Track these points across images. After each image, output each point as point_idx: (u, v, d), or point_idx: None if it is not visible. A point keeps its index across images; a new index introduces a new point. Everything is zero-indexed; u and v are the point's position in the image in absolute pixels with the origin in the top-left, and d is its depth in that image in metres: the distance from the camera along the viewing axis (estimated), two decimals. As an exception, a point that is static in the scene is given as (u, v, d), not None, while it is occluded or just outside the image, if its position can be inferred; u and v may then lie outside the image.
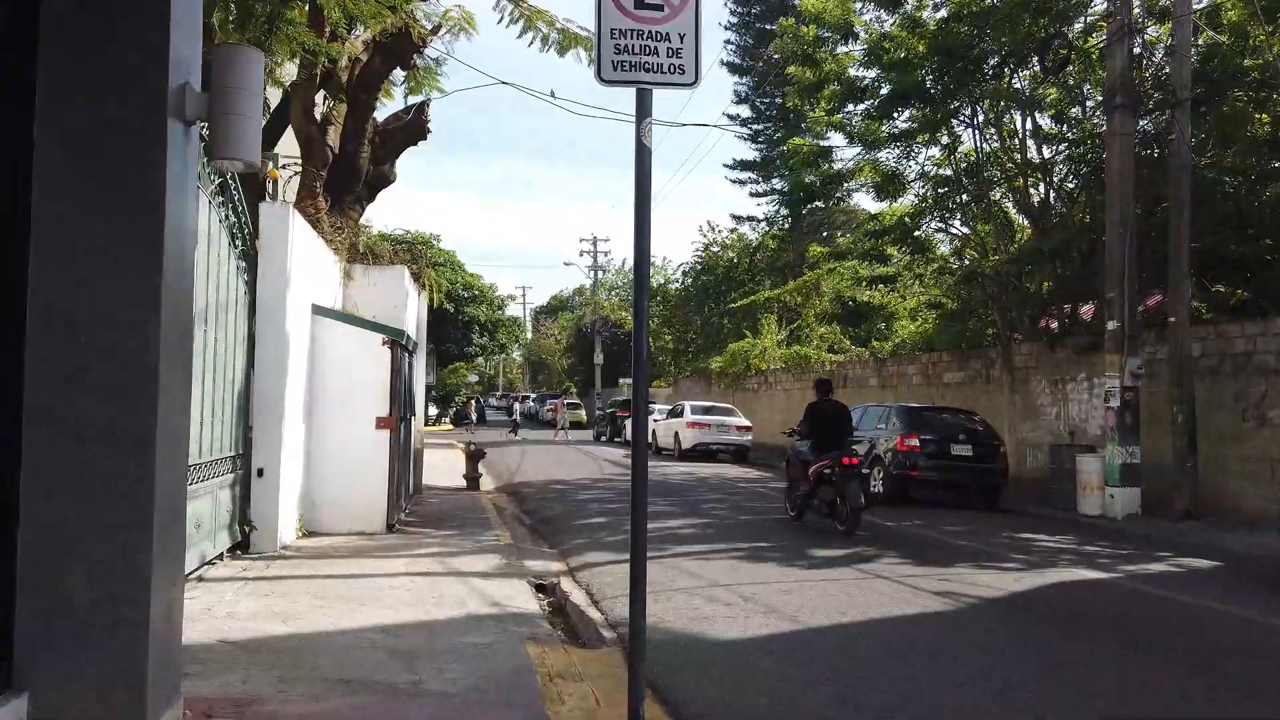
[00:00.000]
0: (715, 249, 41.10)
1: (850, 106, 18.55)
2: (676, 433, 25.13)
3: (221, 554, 7.92)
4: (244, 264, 8.36)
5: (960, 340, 18.48)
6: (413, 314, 13.71)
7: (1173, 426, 13.32)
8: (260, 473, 8.56)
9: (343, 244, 12.40)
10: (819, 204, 36.43)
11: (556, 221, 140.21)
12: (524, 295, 79.75)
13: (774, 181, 40.37)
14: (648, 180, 4.10)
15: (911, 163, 19.01)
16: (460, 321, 51.14)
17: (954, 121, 18.18)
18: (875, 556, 9.49)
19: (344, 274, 12.15)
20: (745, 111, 39.98)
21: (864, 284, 19.66)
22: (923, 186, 18.69)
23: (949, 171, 18.84)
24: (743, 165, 40.16)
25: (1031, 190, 17.87)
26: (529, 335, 75.17)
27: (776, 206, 40.21)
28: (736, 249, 40.72)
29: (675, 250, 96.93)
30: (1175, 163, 13.51)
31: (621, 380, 51.68)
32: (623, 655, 5.76)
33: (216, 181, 7.52)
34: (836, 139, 19.60)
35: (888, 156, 19.39)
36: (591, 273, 55.65)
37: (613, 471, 20.51)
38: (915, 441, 13.99)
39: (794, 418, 30.16)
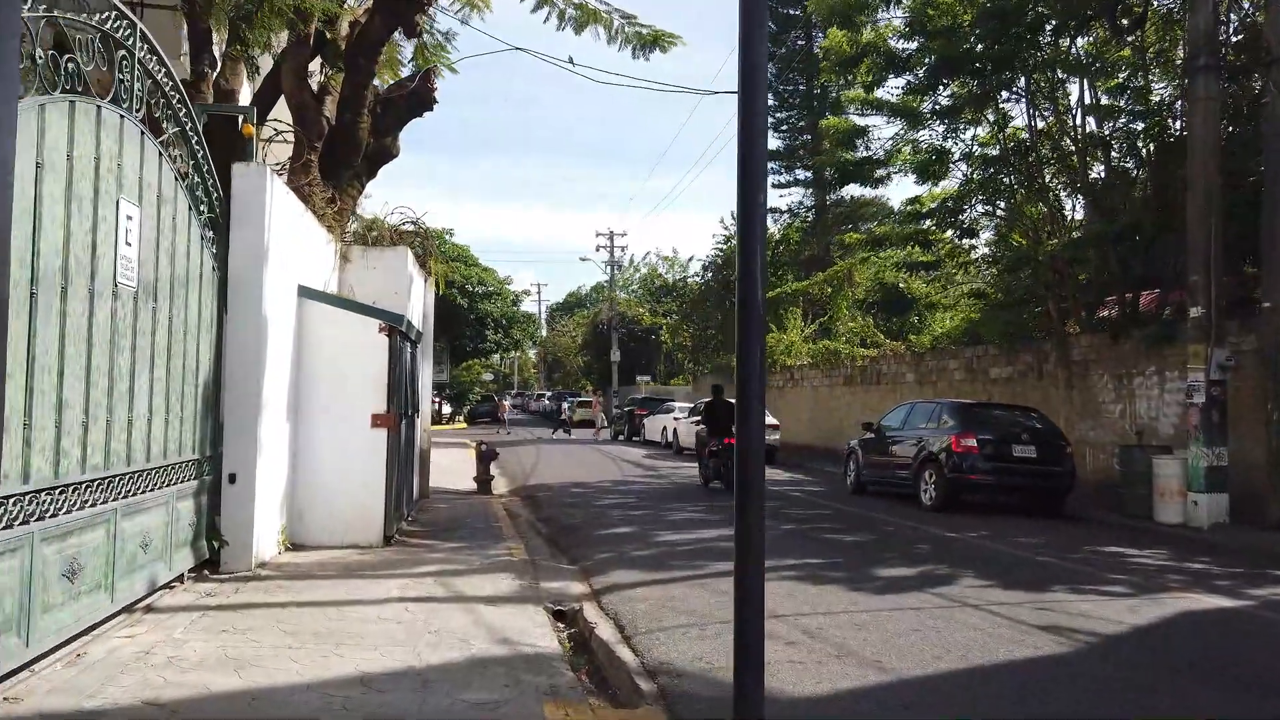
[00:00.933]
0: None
1: (890, 79, 17.14)
2: (700, 432, 23.80)
3: (182, 575, 6.67)
4: (211, 234, 7.11)
5: (1009, 332, 17.06)
6: (417, 301, 12.47)
7: (1267, 426, 11.88)
8: (233, 479, 7.31)
9: (338, 222, 11.16)
10: (855, 188, 35.27)
11: (571, 221, 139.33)
12: (539, 292, 78.79)
13: (797, 172, 38.95)
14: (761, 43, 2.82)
15: (956, 142, 17.59)
16: (474, 317, 50.07)
17: (1004, 95, 16.77)
18: (950, 577, 8.14)
19: (340, 256, 10.91)
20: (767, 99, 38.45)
21: (905, 270, 18.18)
22: (968, 167, 17.26)
23: (995, 151, 17.43)
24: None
25: (1089, 169, 16.43)
26: (544, 333, 73.96)
27: (800, 197, 38.86)
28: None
29: (690, 247, 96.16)
30: (1269, 129, 12.07)
31: (640, 378, 50.38)
32: (667, 718, 4.47)
33: (171, 130, 6.27)
34: (874, 120, 18.22)
35: (930, 136, 18.00)
36: (608, 268, 54.36)
37: (634, 474, 19.23)
38: (973, 442, 12.59)
39: (823, 416, 29.08)
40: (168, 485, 6.22)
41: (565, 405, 50.54)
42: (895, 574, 8.28)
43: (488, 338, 51.56)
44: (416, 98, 12.41)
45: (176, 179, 6.36)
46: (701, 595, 7.20)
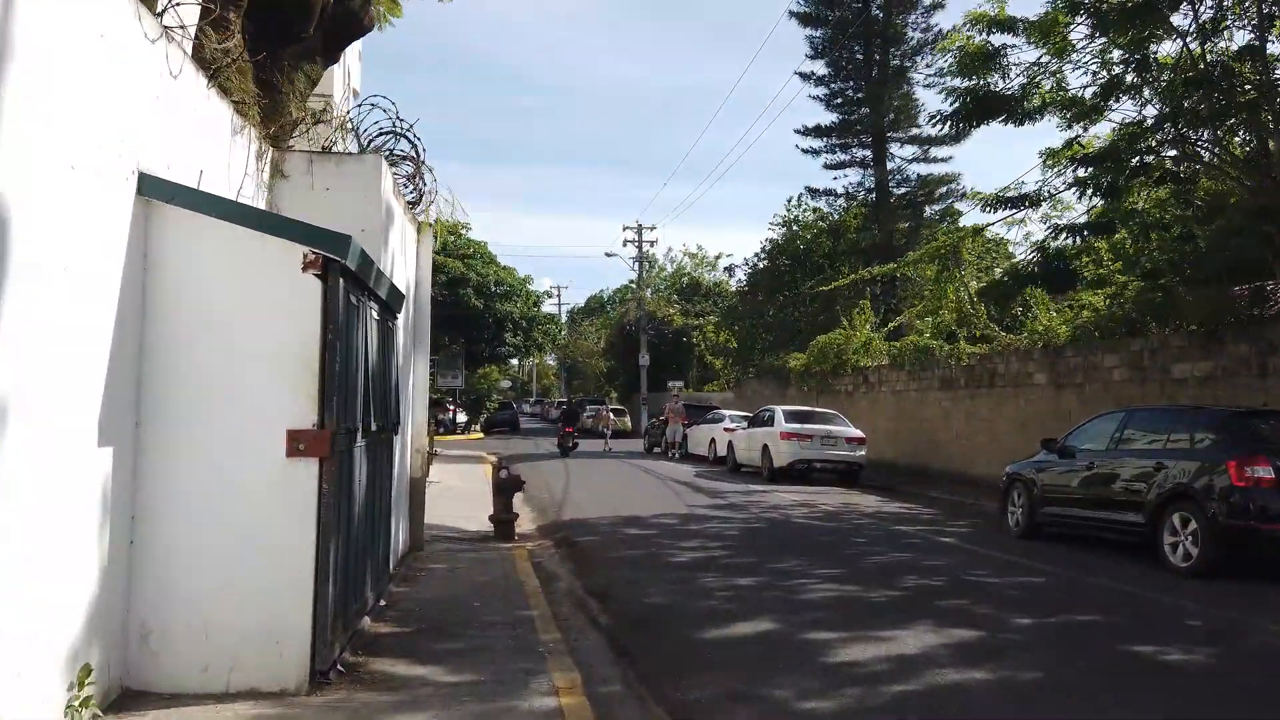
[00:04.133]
0: (796, 228, 35.32)
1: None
2: (765, 446, 19.42)
3: None
4: None
5: (1208, 314, 12.56)
6: (400, 254, 8.20)
7: None
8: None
9: (273, 120, 6.90)
10: (921, 165, 30.77)
11: (591, 228, 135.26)
12: (559, 295, 74.53)
13: (854, 151, 34.54)
14: None
15: (1129, 66, 13.12)
16: (491, 319, 45.94)
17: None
18: None
19: (270, 167, 6.65)
20: (820, 69, 34.21)
21: (1063, 234, 13.65)
22: (1150, 93, 12.81)
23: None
24: (817, 131, 34.43)
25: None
26: (565, 335, 69.61)
27: (859, 177, 34.42)
28: (814, 230, 34.95)
29: (719, 245, 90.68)
30: None
31: (671, 384, 46.01)
32: None
33: None
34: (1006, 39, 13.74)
35: (1085, 60, 13.56)
36: (635, 264, 50.01)
37: (698, 502, 14.84)
38: (1268, 471, 8.11)
39: (910, 427, 24.00)
40: None
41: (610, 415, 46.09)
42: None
43: (506, 340, 47.42)
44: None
45: None
46: None
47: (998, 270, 20.61)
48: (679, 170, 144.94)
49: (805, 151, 35.15)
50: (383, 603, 6.46)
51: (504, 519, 9.96)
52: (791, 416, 19.50)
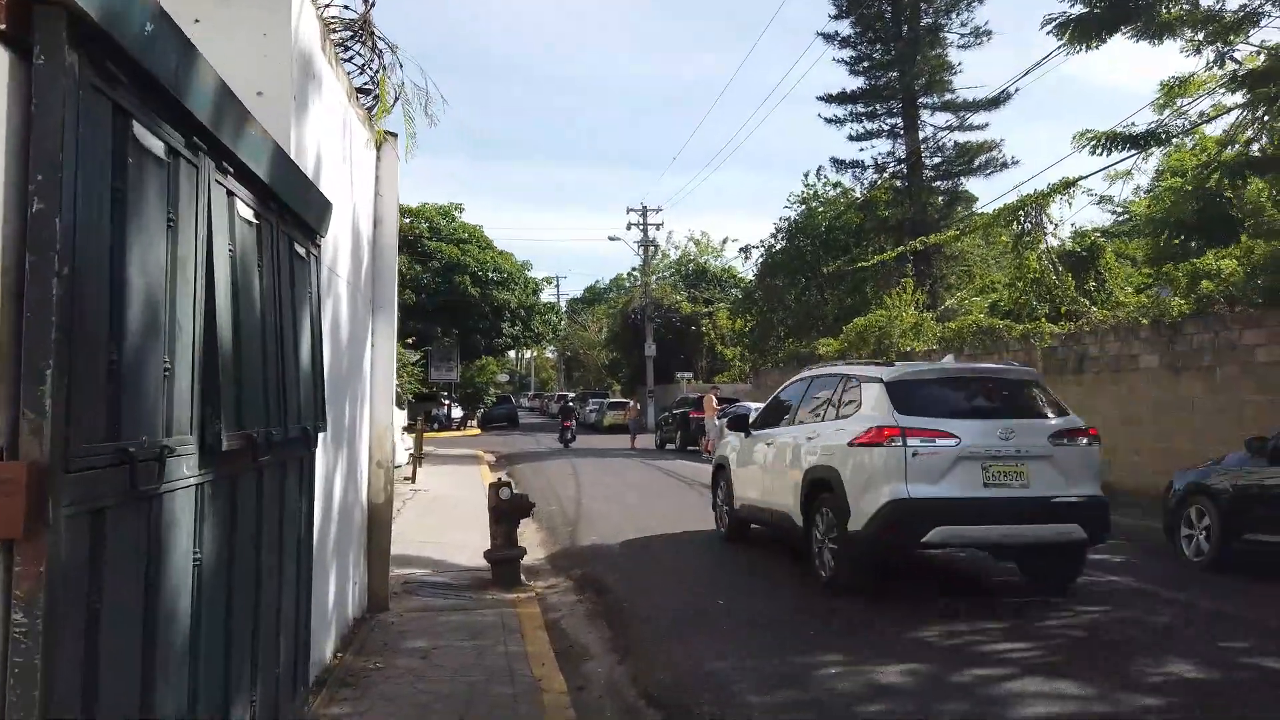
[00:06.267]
0: (816, 204, 32.40)
1: None
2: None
3: None
4: None
5: None
6: (341, 163, 5.23)
7: None
8: None
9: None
10: (958, 132, 27.65)
11: (590, 222, 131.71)
12: (557, 286, 71.38)
13: (883, 119, 31.54)
14: None
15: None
16: (488, 308, 42.94)
17: None
18: None
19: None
20: (845, 28, 31.19)
21: (1238, 177, 10.61)
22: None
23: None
24: (841, 98, 31.44)
25: None
26: (564, 325, 66.46)
27: (889, 147, 31.43)
28: (837, 206, 32.00)
29: (728, 230, 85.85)
30: None
31: (680, 374, 43.14)
32: None
33: None
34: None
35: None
36: (640, 248, 47.03)
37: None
38: None
39: None
40: None
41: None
42: None
43: (504, 331, 44.50)
44: None
45: None
46: None
47: (1054, 239, 17.57)
48: (682, 158, 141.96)
49: (829, 121, 32.12)
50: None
51: (506, 558, 7.03)
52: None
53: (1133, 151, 11.79)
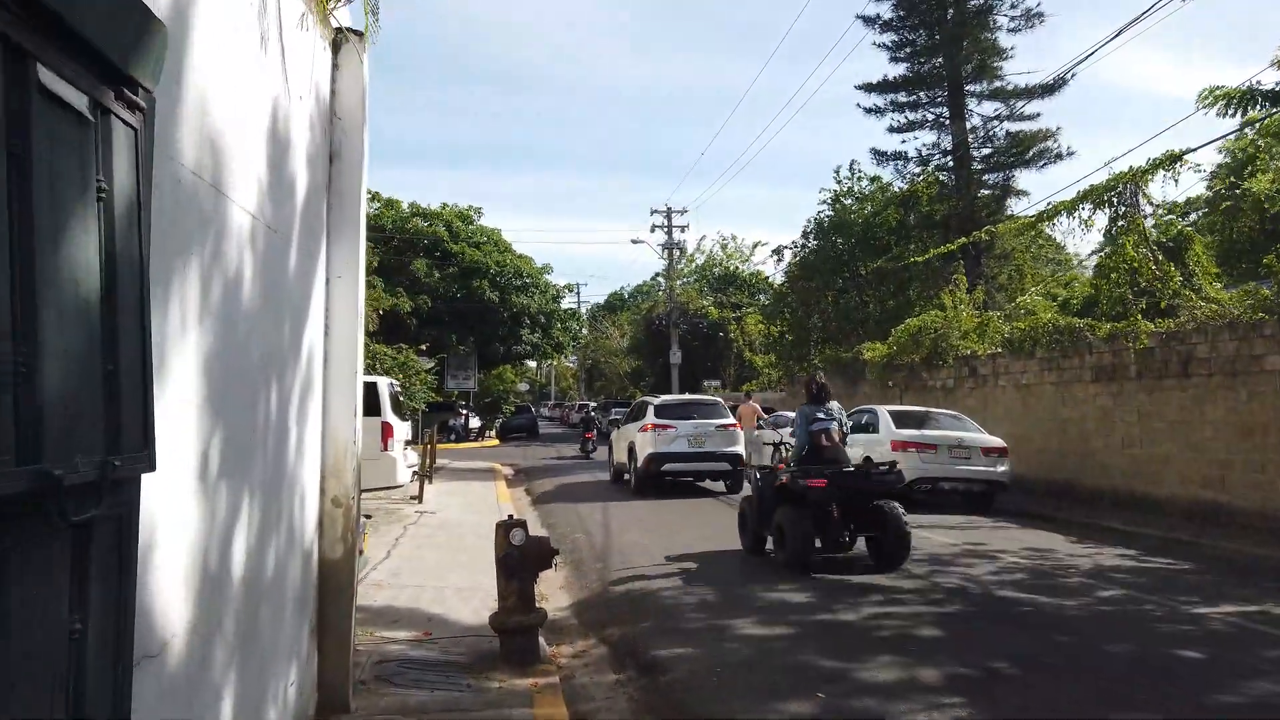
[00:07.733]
0: (850, 200, 30.39)
1: None
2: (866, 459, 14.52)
3: None
4: None
5: None
6: (252, 33, 3.38)
7: None
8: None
9: None
10: (1010, 121, 25.34)
11: (609, 231, 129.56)
12: (578, 294, 69.40)
13: (927, 108, 29.50)
14: None
15: None
16: (508, 314, 41.08)
17: None
18: None
19: None
20: (886, 11, 29.19)
21: None
22: None
23: None
24: (882, 86, 29.43)
25: None
26: (584, 332, 64.38)
27: (935, 137, 29.38)
28: (875, 201, 29.95)
29: (753, 232, 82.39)
30: None
31: (707, 383, 41.21)
32: None
33: None
34: None
35: None
36: (665, 251, 45.07)
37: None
38: None
39: (1046, 431, 15.41)
40: None
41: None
42: None
43: (523, 338, 42.64)
44: None
45: None
46: None
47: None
48: (701, 168, 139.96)
49: (868, 111, 30.12)
50: None
51: (518, 626, 5.10)
52: (903, 420, 14.58)
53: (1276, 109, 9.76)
